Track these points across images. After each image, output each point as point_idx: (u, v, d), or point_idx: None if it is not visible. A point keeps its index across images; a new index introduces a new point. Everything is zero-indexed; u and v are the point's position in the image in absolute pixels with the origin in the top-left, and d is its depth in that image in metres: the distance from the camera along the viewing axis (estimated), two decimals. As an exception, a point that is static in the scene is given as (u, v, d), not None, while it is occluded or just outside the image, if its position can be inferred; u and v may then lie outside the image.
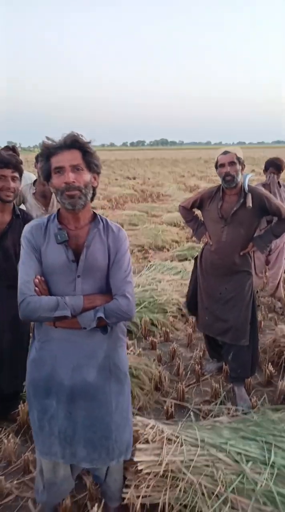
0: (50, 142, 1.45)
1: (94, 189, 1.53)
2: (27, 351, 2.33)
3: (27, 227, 1.56)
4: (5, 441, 2.29)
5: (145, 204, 11.53)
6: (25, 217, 2.34)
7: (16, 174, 2.16)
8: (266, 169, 4.12)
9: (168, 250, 6.83)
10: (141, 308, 4.01)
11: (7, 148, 4.91)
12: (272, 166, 4.05)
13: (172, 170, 25.18)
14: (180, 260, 5.95)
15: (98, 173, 1.53)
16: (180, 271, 5.22)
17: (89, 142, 1.46)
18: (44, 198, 3.35)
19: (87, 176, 1.46)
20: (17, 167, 2.15)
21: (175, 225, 8.49)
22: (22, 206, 3.60)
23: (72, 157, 1.42)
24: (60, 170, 1.43)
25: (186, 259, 6.01)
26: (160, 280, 4.79)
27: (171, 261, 5.86)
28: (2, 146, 5.20)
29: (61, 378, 1.53)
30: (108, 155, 59.25)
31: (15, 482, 2.12)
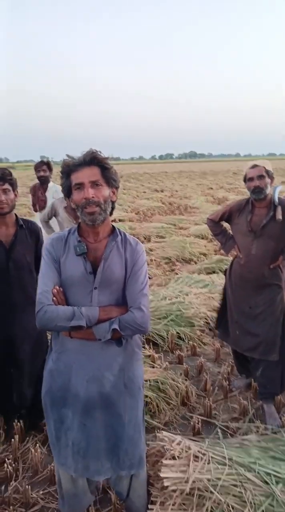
0: (70, 159, 1.50)
1: (113, 203, 1.57)
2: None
3: (48, 239, 1.62)
4: (32, 450, 2.32)
5: (173, 216, 11.55)
6: (30, 227, 2.39)
7: (7, 186, 2.22)
8: None
9: (195, 262, 6.78)
10: (168, 321, 3.99)
11: (41, 162, 5.09)
12: None
13: (200, 183, 25.14)
14: (208, 273, 5.89)
15: (117, 188, 1.57)
16: (208, 284, 5.17)
17: (107, 158, 1.51)
18: (74, 211, 3.44)
19: (106, 191, 1.51)
20: (5, 179, 2.21)
21: (202, 238, 8.43)
22: (54, 220, 3.70)
23: (91, 173, 1.47)
24: (80, 186, 1.48)
25: (214, 272, 5.95)
26: (187, 293, 4.77)
27: (199, 274, 5.81)
28: (36, 161, 5.40)
29: (77, 389, 1.55)
30: (136, 168, 59.98)
31: (41, 492, 2.14)
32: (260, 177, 2.49)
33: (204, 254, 7.23)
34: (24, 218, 2.47)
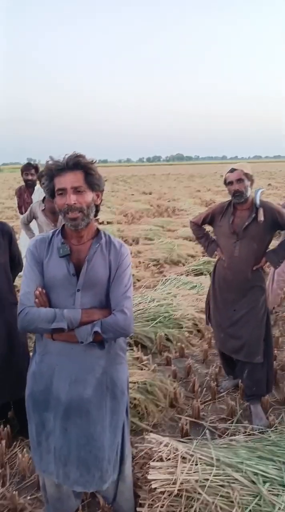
0: (53, 163, 1.47)
1: (97, 206, 1.56)
2: (23, 364, 2.34)
3: (32, 241, 1.61)
4: (20, 455, 2.30)
5: (161, 218, 11.56)
6: (2, 228, 2.35)
7: None
8: None
9: (183, 264, 6.81)
10: (156, 323, 4.00)
11: (29, 165, 5.01)
12: None
13: (188, 185, 25.25)
14: (195, 275, 5.92)
15: (101, 191, 1.56)
16: (196, 286, 5.19)
17: (92, 163, 1.48)
18: (53, 214, 3.43)
19: (89, 196, 1.49)
20: None
21: (190, 240, 8.46)
22: (34, 222, 3.70)
23: (74, 179, 1.45)
24: (62, 191, 1.47)
25: (201, 273, 5.98)
26: (175, 294, 4.78)
27: (187, 275, 5.84)
28: (22, 163, 5.33)
29: (59, 392, 1.54)
30: (124, 171, 59.96)
31: (28, 497, 2.11)
32: (239, 180, 2.50)
33: (192, 256, 7.27)
34: None
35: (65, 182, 1.45)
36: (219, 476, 1.88)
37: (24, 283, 1.54)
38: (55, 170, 1.47)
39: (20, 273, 2.55)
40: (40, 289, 1.52)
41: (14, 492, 2.06)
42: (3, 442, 2.39)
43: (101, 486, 1.62)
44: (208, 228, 2.97)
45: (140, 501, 1.85)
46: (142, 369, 3.15)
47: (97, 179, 1.51)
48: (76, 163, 1.46)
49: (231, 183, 2.54)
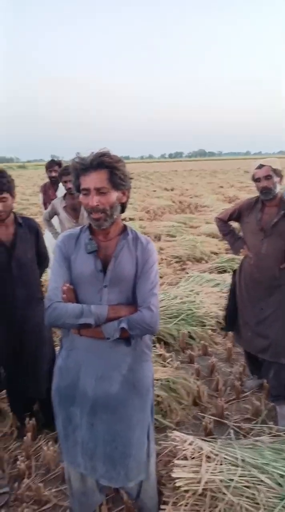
0: (78, 162, 1.46)
1: (123, 203, 1.55)
2: (50, 358, 2.37)
3: (60, 237, 1.62)
4: (45, 448, 2.34)
5: (183, 215, 11.47)
6: (29, 224, 2.39)
7: (4, 195, 2.18)
8: None
9: (206, 261, 6.74)
10: (179, 320, 3.97)
11: (53, 162, 5.07)
12: None
13: (211, 181, 24.97)
14: (219, 272, 5.85)
15: (128, 189, 1.54)
16: (219, 284, 5.13)
17: (117, 162, 1.45)
18: (74, 211, 3.45)
19: (113, 196, 1.47)
20: (2, 189, 2.17)
21: (213, 237, 8.36)
22: (56, 219, 3.75)
23: (97, 179, 1.44)
24: (86, 191, 1.46)
25: (225, 271, 5.90)
26: (198, 292, 4.74)
27: (210, 273, 5.77)
28: (46, 160, 5.40)
29: (85, 388, 1.55)
30: (146, 167, 59.84)
31: (53, 490, 2.15)
32: (267, 177, 2.45)
33: (215, 253, 7.18)
34: (22, 215, 2.46)
35: (89, 183, 1.45)
36: (244, 477, 1.85)
37: (52, 279, 1.56)
38: (80, 169, 1.47)
39: (47, 269, 2.59)
40: (67, 284, 1.53)
41: (39, 484, 2.10)
42: (29, 434, 2.43)
43: (126, 483, 1.63)
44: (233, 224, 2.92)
45: (164, 499, 1.85)
46: (165, 366, 3.14)
47: (122, 178, 1.48)
48: (100, 163, 1.43)
49: (259, 179, 2.48)
